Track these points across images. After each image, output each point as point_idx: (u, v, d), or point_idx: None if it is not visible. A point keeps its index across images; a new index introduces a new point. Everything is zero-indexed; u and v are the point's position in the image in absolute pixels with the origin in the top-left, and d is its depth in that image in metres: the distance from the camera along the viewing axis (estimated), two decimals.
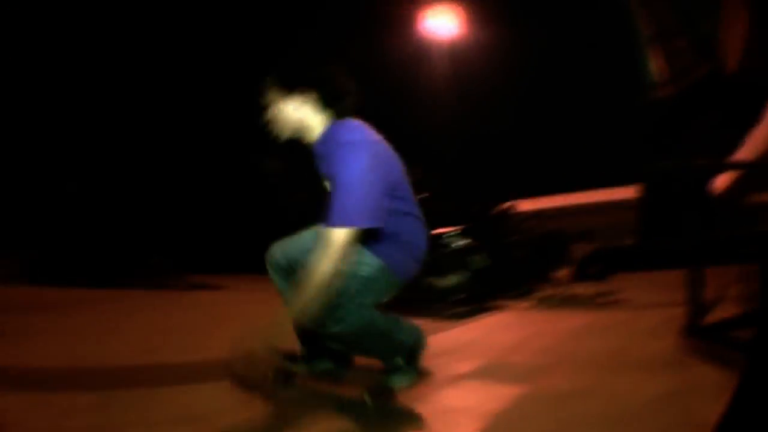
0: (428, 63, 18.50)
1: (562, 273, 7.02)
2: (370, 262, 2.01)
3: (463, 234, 5.38)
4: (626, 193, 11.91)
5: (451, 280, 5.17)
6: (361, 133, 1.99)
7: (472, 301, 5.00)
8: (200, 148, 14.29)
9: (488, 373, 2.51)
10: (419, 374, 2.24)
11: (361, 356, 2.33)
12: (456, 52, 18.08)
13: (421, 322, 4.10)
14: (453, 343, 3.28)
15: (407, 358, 2.18)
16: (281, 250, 2.28)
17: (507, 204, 7.11)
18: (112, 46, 15.05)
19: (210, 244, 13.20)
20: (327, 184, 2.11)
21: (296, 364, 2.36)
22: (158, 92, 14.55)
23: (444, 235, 5.41)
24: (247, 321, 4.33)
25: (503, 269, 5.68)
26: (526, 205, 7.93)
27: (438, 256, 5.29)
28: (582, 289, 5.61)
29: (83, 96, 15.06)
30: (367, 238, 1.96)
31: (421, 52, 18.62)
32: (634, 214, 10.95)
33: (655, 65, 11.81)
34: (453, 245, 5.30)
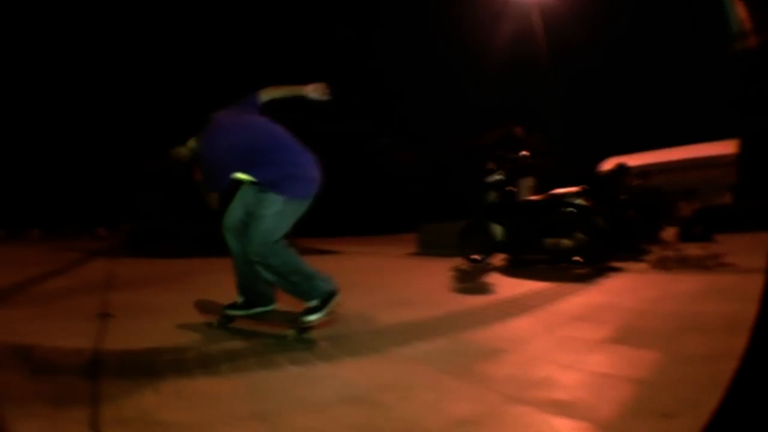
0: (520, 22, 18.02)
1: (669, 233, 6.79)
2: (275, 199, 2.72)
3: (581, 194, 5.13)
4: (731, 147, 11.04)
5: (572, 240, 5.00)
6: (220, 133, 2.81)
7: (591, 263, 4.86)
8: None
9: (624, 338, 2.59)
10: (329, 314, 2.80)
11: (288, 293, 2.85)
12: (548, 9, 17.42)
13: (545, 286, 4.27)
14: (584, 308, 3.38)
15: (322, 301, 2.75)
16: (230, 218, 2.98)
17: (619, 162, 6.79)
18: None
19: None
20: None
21: (236, 310, 3.05)
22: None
23: (564, 195, 5.17)
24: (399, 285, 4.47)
25: (618, 230, 5.41)
26: (630, 162, 7.61)
27: (559, 216, 5.10)
28: (690, 250, 5.41)
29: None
30: (267, 184, 2.76)
31: (514, 10, 18.12)
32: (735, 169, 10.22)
33: (739, 15, 10.81)
34: (573, 206, 5.07)
